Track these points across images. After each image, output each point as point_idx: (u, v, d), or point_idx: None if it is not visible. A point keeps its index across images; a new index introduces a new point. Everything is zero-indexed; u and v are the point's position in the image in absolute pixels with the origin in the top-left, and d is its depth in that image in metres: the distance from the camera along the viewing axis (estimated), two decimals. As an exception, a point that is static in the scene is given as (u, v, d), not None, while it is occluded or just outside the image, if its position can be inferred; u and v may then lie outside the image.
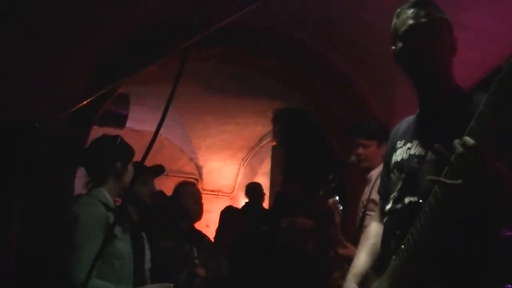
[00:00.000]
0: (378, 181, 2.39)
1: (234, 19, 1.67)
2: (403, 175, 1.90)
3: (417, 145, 1.89)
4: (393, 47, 1.93)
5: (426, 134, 1.88)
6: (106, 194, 2.89)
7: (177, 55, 1.66)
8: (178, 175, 8.52)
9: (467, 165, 1.50)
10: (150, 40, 3.75)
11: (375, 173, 3.48)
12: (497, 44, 3.67)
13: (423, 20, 1.85)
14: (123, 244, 2.89)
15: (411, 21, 1.86)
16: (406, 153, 1.92)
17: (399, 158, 1.96)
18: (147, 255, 3.44)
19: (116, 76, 2.89)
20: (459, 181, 1.52)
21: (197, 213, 4.25)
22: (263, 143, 9.09)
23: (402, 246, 1.73)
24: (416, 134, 1.93)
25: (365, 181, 3.64)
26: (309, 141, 6.86)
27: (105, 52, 3.78)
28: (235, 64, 5.52)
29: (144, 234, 3.45)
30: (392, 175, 1.98)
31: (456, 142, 1.52)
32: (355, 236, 3.58)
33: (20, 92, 3.30)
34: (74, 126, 3.87)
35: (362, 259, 2.09)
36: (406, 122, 2.07)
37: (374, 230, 2.15)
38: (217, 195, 9.66)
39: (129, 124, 7.00)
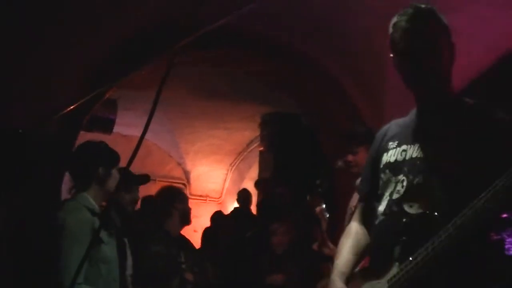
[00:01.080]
0: None
1: (227, 21, 1.69)
2: (402, 178, 1.87)
3: (418, 149, 1.87)
4: (392, 55, 1.92)
5: (427, 139, 1.87)
6: (90, 199, 2.88)
7: (166, 58, 1.68)
8: (165, 180, 8.49)
9: None
10: (151, 41, 3.76)
11: (363, 180, 3.52)
12: (485, 48, 3.74)
13: (422, 36, 1.83)
14: (109, 249, 2.89)
15: (408, 37, 1.83)
16: (401, 155, 1.90)
17: (392, 159, 1.94)
18: (129, 261, 3.45)
19: (115, 78, 2.90)
20: None
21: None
22: (251, 148, 9.12)
23: (411, 259, 1.69)
24: (416, 137, 1.90)
25: (354, 187, 3.68)
26: (297, 145, 6.87)
27: (105, 52, 3.79)
28: (227, 68, 5.54)
29: (126, 240, 3.45)
30: (382, 175, 1.96)
31: None
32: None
33: (20, 92, 3.31)
34: (66, 128, 3.88)
35: (345, 257, 2.03)
36: (396, 124, 2.06)
37: (354, 229, 2.11)
38: (204, 200, 9.69)
39: (118, 129, 6.98)
